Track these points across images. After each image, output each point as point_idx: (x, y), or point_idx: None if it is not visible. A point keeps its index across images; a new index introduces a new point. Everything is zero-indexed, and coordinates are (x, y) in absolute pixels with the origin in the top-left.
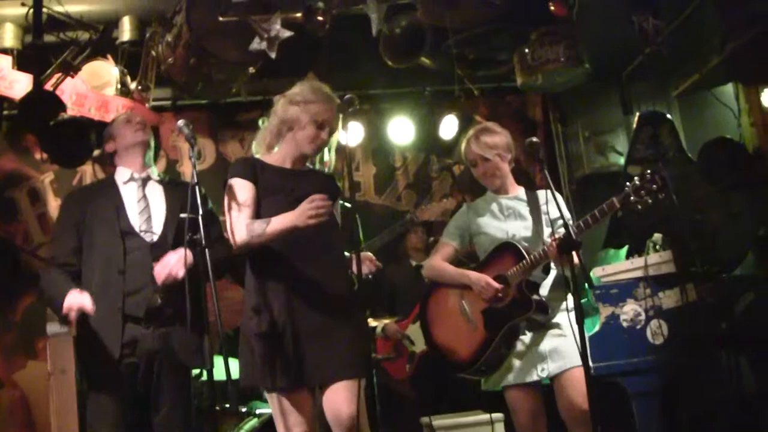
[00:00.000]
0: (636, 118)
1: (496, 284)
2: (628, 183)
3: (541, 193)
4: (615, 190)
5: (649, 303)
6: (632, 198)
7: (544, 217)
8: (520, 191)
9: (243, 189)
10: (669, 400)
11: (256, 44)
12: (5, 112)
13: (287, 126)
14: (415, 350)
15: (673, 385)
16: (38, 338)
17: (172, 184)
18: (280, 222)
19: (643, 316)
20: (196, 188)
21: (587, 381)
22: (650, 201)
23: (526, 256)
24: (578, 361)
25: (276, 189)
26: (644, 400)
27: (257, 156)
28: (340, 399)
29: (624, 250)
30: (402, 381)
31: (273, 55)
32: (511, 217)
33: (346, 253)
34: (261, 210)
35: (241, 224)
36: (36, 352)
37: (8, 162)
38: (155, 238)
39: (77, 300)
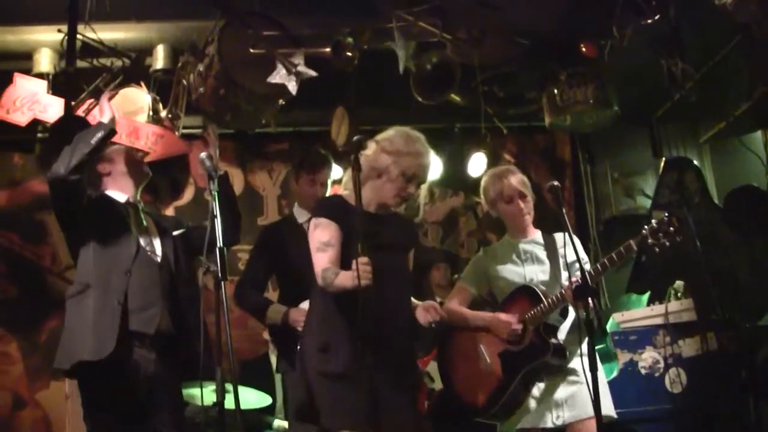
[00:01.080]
0: (662, 163)
1: (512, 319)
2: (645, 226)
3: (559, 236)
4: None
5: (669, 351)
6: (649, 240)
7: (561, 261)
8: (537, 234)
9: (327, 229)
10: None
11: (279, 77)
12: (39, 135)
13: (376, 173)
14: (434, 387)
15: None
16: None
17: (157, 216)
18: (342, 279)
19: (661, 364)
20: (217, 220)
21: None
22: (668, 243)
23: (544, 299)
24: (600, 410)
25: (355, 231)
26: None
27: (344, 193)
28: None
29: (646, 296)
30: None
31: (294, 91)
32: (528, 261)
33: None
34: (343, 252)
35: (321, 264)
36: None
37: (39, 185)
38: (158, 259)
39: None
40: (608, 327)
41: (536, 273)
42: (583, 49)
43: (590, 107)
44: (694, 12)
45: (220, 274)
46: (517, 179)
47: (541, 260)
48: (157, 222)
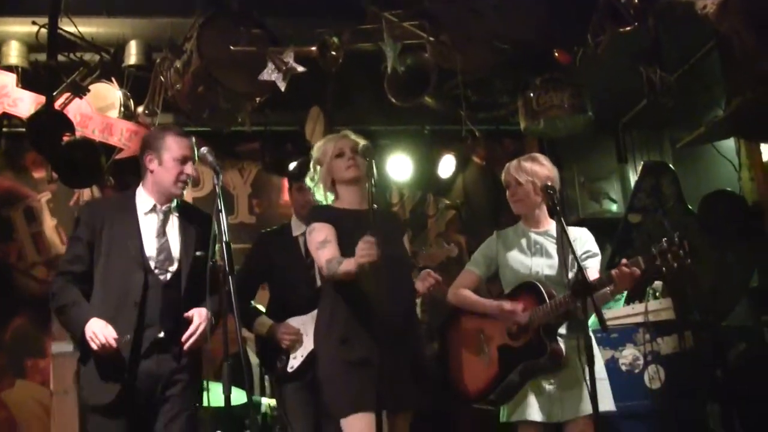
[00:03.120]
0: (640, 167)
1: (517, 308)
2: (654, 245)
3: (573, 230)
4: (613, 236)
5: (648, 348)
6: (658, 261)
7: (570, 256)
8: (551, 226)
9: (322, 230)
10: None
11: (267, 74)
12: (4, 130)
13: (329, 181)
14: None
15: (669, 429)
16: (27, 358)
17: (188, 211)
18: (346, 264)
19: (641, 361)
20: (222, 215)
21: (595, 426)
22: (676, 266)
23: (547, 300)
24: (591, 409)
25: (351, 230)
26: None
27: (331, 203)
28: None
29: (623, 296)
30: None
31: (282, 87)
32: (537, 254)
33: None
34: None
35: (323, 258)
36: (25, 372)
37: (5, 180)
38: (169, 276)
39: (102, 331)
40: (590, 325)
41: (543, 267)
42: (557, 56)
43: (565, 112)
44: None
45: (227, 268)
46: (518, 168)
47: (549, 254)
48: (186, 224)
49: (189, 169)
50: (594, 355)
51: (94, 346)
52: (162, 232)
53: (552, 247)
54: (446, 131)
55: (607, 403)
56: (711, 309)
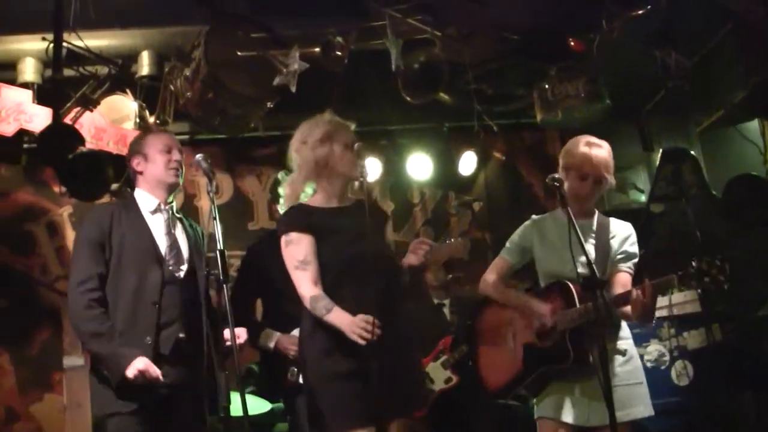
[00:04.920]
0: (659, 155)
1: (546, 311)
2: (694, 263)
3: (615, 225)
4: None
5: (674, 343)
6: (693, 282)
7: (608, 253)
8: (594, 219)
9: (300, 244)
10: None
11: (278, 80)
12: (25, 146)
13: (321, 166)
14: (434, 389)
15: (699, 427)
16: (54, 371)
17: (186, 220)
18: (336, 318)
19: (667, 357)
20: (216, 222)
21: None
22: (712, 289)
23: (577, 304)
24: (623, 417)
25: (332, 231)
26: None
27: (301, 202)
28: None
29: None
30: (421, 420)
31: (293, 89)
32: (575, 248)
33: None
34: (322, 255)
35: (307, 288)
36: (52, 386)
37: (27, 195)
38: (182, 274)
39: (147, 368)
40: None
41: (579, 263)
42: (572, 44)
43: (581, 101)
44: (683, 1)
45: (221, 277)
46: (603, 158)
47: (587, 251)
48: (187, 229)
49: (176, 155)
50: (625, 358)
51: (133, 379)
52: (170, 231)
53: (591, 243)
54: (465, 128)
55: (637, 410)
56: (739, 299)
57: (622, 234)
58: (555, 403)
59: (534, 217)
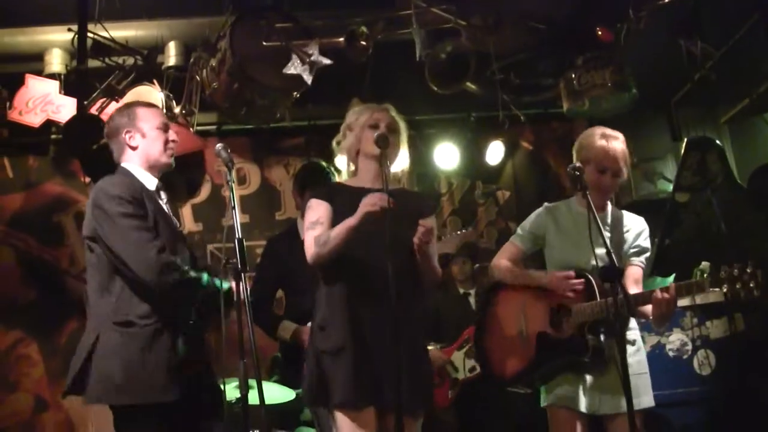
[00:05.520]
0: (684, 144)
1: (570, 275)
2: (725, 267)
3: (629, 219)
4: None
5: (696, 333)
6: (725, 289)
7: (624, 246)
8: (609, 211)
9: (317, 209)
10: None
11: (292, 68)
12: (52, 137)
13: (355, 150)
14: (458, 377)
15: (721, 417)
16: None
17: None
18: (341, 224)
19: (689, 346)
20: (235, 211)
21: (630, 418)
22: (741, 296)
23: (598, 297)
24: (638, 405)
25: (352, 207)
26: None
27: (344, 179)
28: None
29: (671, 279)
30: (445, 409)
31: (309, 80)
32: (594, 238)
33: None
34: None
35: (310, 239)
36: None
37: (55, 186)
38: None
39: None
40: None
41: (593, 255)
42: (599, 34)
43: (608, 91)
44: None
45: (239, 266)
46: (621, 150)
47: (601, 242)
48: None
49: (172, 135)
50: (635, 348)
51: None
52: (173, 212)
53: (606, 234)
54: (492, 118)
55: (645, 399)
56: (765, 288)
57: (637, 228)
58: (567, 392)
59: (547, 204)
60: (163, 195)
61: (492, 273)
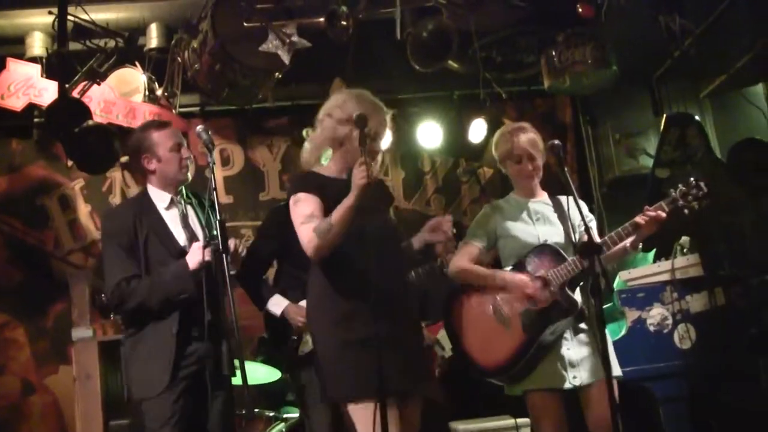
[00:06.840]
0: (663, 120)
1: (529, 281)
2: (673, 189)
3: (564, 199)
4: (644, 193)
5: (677, 307)
6: (680, 203)
7: (570, 223)
8: (545, 196)
9: (308, 202)
10: (698, 406)
11: (270, 47)
12: (35, 120)
13: (338, 143)
14: (444, 355)
15: (702, 389)
16: (69, 344)
17: (196, 200)
18: (339, 208)
19: (670, 321)
20: (214, 193)
21: (609, 388)
22: (697, 207)
23: (567, 258)
24: (611, 372)
25: (341, 200)
26: (672, 405)
27: (313, 170)
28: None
29: (651, 254)
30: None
31: (287, 60)
32: (540, 222)
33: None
34: None
35: (309, 232)
36: (68, 358)
37: (39, 169)
38: None
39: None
40: (615, 285)
41: (550, 234)
42: (580, 10)
43: (589, 67)
44: None
45: (221, 247)
46: (527, 138)
47: (552, 222)
48: (197, 211)
49: (185, 152)
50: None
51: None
52: (186, 223)
53: (552, 215)
54: (475, 96)
55: (617, 369)
56: (746, 263)
57: (574, 204)
58: (547, 373)
59: (488, 204)
60: (178, 208)
61: (452, 273)
